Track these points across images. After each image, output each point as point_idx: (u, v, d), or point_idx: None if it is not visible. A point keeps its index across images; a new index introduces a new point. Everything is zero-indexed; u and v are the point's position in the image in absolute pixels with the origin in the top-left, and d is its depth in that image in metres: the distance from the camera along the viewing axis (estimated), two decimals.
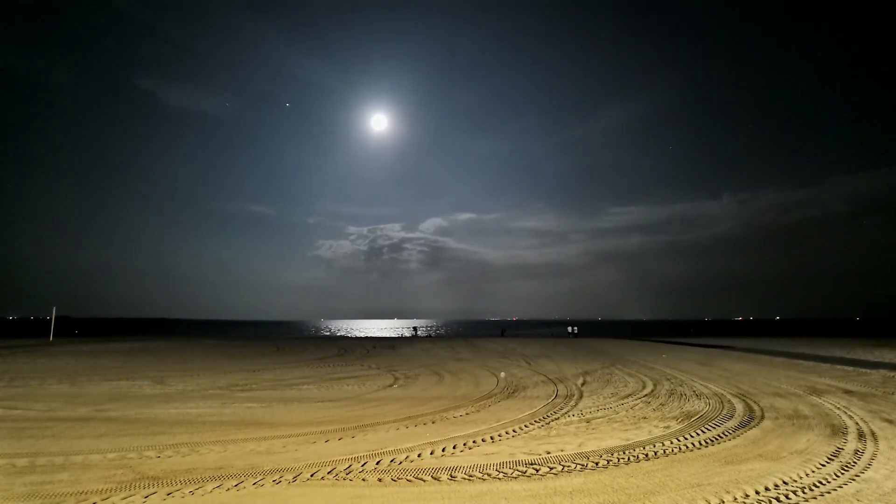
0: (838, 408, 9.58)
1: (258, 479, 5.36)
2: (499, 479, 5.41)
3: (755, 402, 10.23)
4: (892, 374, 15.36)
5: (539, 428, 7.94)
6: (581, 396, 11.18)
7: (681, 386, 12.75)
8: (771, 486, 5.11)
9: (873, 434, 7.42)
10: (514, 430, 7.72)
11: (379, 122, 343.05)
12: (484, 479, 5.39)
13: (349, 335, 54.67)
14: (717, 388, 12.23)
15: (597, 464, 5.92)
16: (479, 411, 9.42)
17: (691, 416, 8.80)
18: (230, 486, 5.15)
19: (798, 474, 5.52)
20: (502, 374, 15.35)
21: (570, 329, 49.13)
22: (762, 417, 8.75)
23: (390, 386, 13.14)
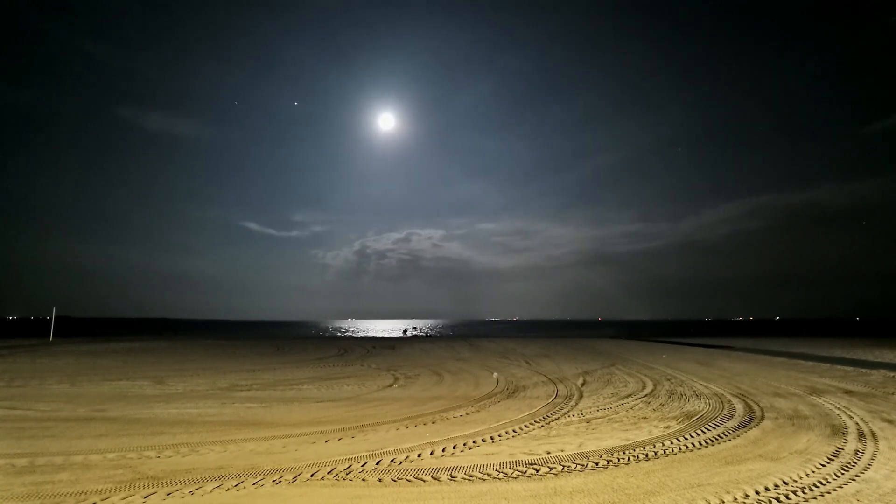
0: (838, 408, 9.57)
1: (258, 479, 5.36)
2: (499, 479, 5.41)
3: (755, 403, 10.23)
4: (892, 374, 15.35)
5: (539, 428, 7.94)
6: (581, 396, 11.18)
7: (681, 386, 12.75)
8: (771, 486, 5.11)
9: (873, 434, 7.42)
10: (514, 431, 7.72)
11: (386, 120, 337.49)
12: (484, 480, 5.39)
13: (349, 335, 54.67)
14: (717, 389, 12.23)
15: (597, 464, 5.92)
16: (479, 411, 9.42)
17: (691, 417, 8.79)
18: (230, 486, 5.15)
19: (798, 474, 5.51)
20: (495, 375, 15.25)
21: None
22: (762, 417, 8.75)
23: (390, 386, 13.14)
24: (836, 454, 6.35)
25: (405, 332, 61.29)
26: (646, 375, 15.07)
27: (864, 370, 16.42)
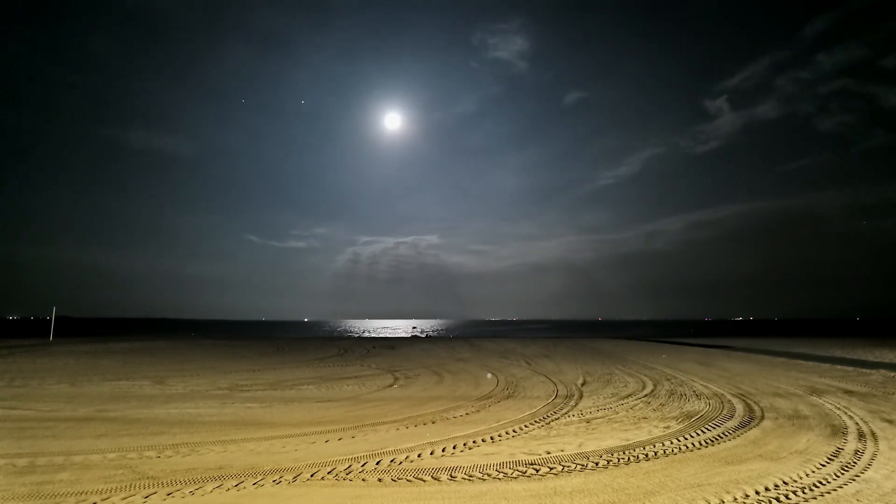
0: (838, 408, 9.57)
1: (258, 479, 5.36)
2: (499, 479, 5.41)
3: (755, 403, 10.23)
4: (892, 374, 15.35)
5: (539, 428, 7.94)
6: (581, 396, 11.18)
7: (681, 386, 12.75)
8: (771, 487, 5.11)
9: (873, 434, 7.42)
10: (514, 431, 7.72)
11: (393, 120, 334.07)
12: (484, 480, 5.39)
13: (350, 335, 54.66)
14: (717, 389, 12.23)
15: (597, 464, 5.92)
16: (479, 411, 9.42)
17: (691, 417, 8.79)
18: (230, 487, 5.15)
19: (798, 474, 5.51)
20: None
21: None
22: (762, 417, 8.75)
23: (390, 386, 13.14)
24: (836, 454, 6.35)
25: (415, 327, 61.18)
26: (646, 375, 15.07)
27: (864, 370, 16.42)
